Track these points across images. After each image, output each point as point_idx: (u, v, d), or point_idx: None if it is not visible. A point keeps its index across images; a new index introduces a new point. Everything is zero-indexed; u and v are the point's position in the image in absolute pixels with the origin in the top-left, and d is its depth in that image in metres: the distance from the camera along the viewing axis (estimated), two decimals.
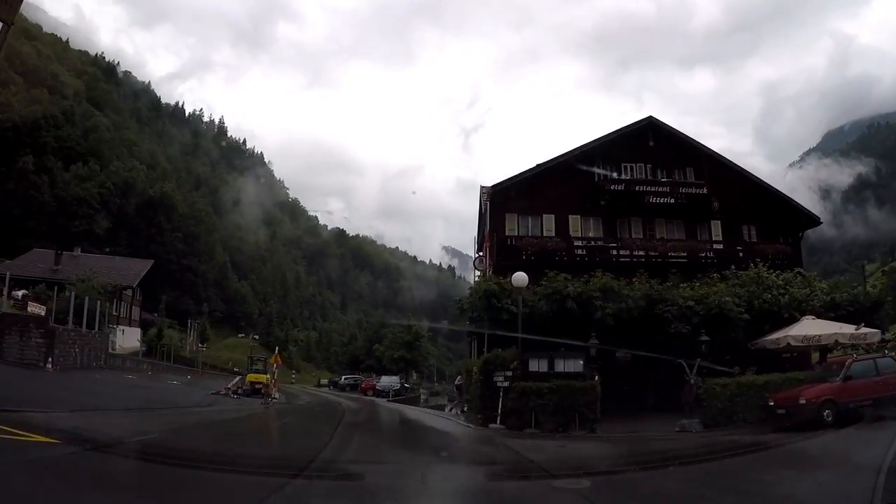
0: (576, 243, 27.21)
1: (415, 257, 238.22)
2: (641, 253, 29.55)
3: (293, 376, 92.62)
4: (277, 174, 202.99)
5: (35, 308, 37.77)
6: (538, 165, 29.29)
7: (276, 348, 40.11)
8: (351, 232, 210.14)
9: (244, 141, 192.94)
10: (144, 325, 62.54)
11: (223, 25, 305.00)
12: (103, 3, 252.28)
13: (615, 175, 31.50)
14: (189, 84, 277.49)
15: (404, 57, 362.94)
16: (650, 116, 33.63)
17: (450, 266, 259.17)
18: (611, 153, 31.96)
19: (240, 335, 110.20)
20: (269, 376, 37.98)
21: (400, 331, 53.76)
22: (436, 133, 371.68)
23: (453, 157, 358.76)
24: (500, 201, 28.25)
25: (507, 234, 27.47)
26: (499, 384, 17.42)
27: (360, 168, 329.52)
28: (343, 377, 65.30)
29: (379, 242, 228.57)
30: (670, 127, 33.89)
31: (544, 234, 27.99)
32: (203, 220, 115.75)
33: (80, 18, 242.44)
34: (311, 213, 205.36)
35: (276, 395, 38.28)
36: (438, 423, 23.41)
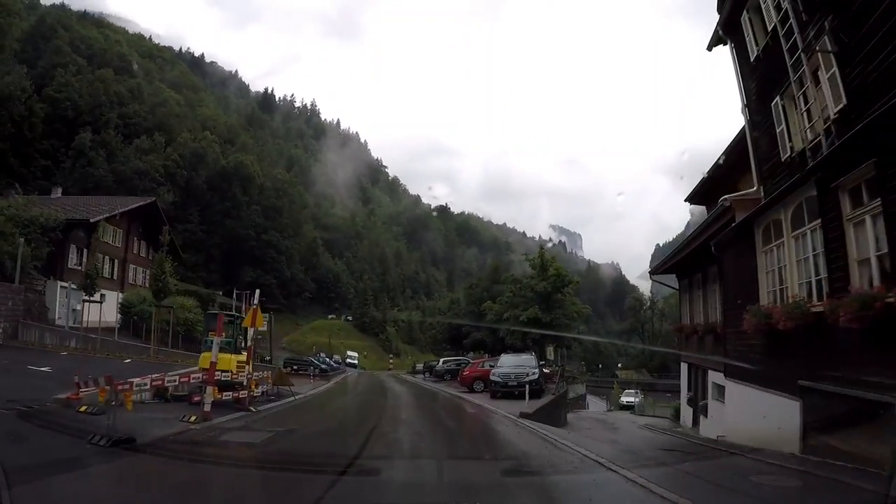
0: None
1: (524, 233, 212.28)
2: None
3: (391, 361, 72.02)
4: (374, 154, 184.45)
5: None
6: None
7: (256, 297, 16.72)
8: (455, 210, 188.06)
9: (338, 121, 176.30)
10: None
11: (313, 20, 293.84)
12: (195, 13, 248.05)
13: None
14: (281, 78, 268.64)
15: (500, 33, 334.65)
16: None
17: (560, 241, 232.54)
18: None
19: (329, 316, 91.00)
20: (239, 357, 16.49)
21: (530, 277, 28.50)
22: (534, 111, 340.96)
23: (554, 135, 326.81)
24: None
25: None
26: None
27: (461, 151, 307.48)
28: (441, 361, 42.04)
29: (485, 220, 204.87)
30: None
31: None
32: (286, 191, 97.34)
33: (169, 27, 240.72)
34: (413, 193, 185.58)
35: (279, 388, 18.94)
36: None
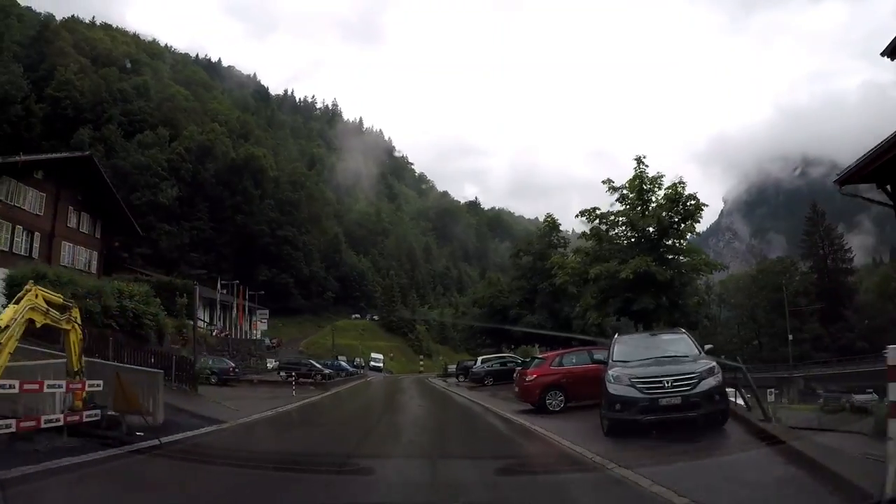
0: None
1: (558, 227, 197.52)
2: None
3: (421, 363, 61.45)
4: (400, 152, 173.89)
5: None
6: None
7: None
8: (486, 207, 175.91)
9: (360, 120, 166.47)
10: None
11: (333, 26, 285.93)
12: (216, 26, 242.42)
13: None
14: (304, 84, 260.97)
15: (521, 28, 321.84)
16: None
17: None
18: None
19: (354, 316, 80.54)
20: None
21: (618, 214, 16.52)
22: (558, 105, 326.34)
23: (580, 128, 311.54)
24: None
25: None
26: None
27: (488, 149, 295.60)
28: (480, 360, 30.78)
29: (517, 215, 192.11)
30: None
31: None
32: (303, 185, 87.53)
33: (191, 41, 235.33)
34: (441, 189, 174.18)
35: None
36: None
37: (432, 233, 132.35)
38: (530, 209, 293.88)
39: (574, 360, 13.49)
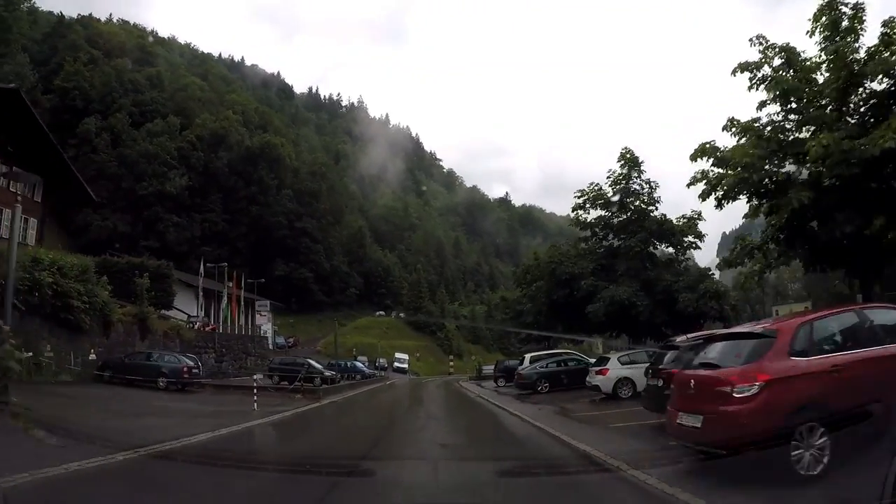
0: None
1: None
2: None
3: (451, 363, 53.93)
4: (428, 148, 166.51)
5: None
6: None
7: None
8: (516, 203, 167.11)
9: (387, 116, 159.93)
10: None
11: (361, 27, 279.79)
12: (242, 31, 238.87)
13: None
14: (330, 85, 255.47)
15: (543, 27, 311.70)
16: None
17: None
18: None
19: (378, 313, 73.22)
20: None
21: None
22: (583, 103, 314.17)
23: (607, 126, 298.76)
24: None
25: None
26: None
27: (516, 150, 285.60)
28: (528, 358, 22.52)
29: (548, 212, 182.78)
30: None
31: None
32: (325, 175, 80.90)
33: (216, 44, 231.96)
34: (469, 185, 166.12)
35: None
36: None
37: (462, 228, 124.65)
38: (561, 207, 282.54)
39: (839, 337, 5.22)
